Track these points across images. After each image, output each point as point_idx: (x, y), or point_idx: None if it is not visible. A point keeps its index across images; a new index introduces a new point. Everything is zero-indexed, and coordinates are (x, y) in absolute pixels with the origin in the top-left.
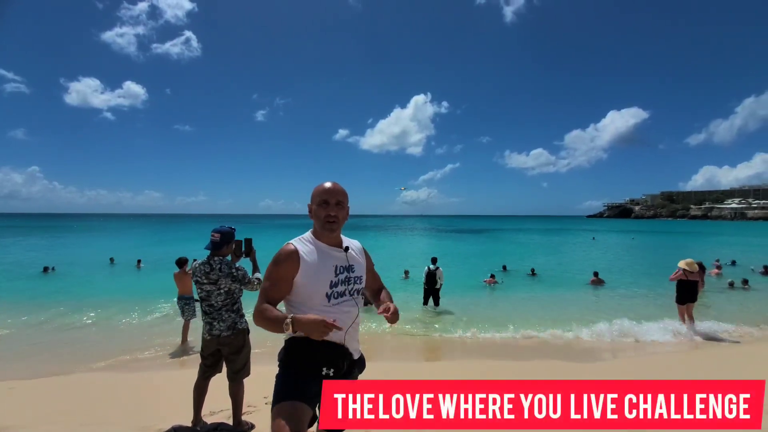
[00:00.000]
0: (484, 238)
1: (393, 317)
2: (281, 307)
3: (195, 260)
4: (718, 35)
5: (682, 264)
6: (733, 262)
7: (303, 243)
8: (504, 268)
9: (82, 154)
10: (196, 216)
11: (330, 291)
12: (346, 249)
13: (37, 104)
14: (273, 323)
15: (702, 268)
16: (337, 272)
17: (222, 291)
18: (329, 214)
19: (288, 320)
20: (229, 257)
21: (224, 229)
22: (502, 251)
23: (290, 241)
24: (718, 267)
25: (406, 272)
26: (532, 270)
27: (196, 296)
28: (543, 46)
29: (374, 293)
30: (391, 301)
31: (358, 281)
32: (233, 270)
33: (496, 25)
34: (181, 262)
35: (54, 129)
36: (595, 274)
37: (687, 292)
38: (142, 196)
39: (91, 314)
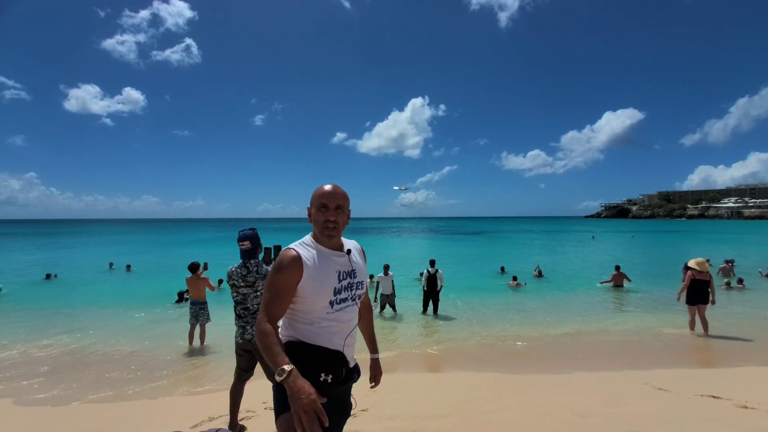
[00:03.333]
0: (483, 240)
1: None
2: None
3: (233, 268)
4: (711, 37)
5: (691, 263)
6: (732, 262)
7: (305, 248)
8: (502, 269)
9: (80, 160)
10: (194, 220)
11: (333, 298)
12: (348, 252)
13: (36, 111)
14: (271, 357)
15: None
16: (341, 278)
17: (259, 293)
18: (328, 219)
19: (286, 369)
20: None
21: (248, 233)
22: (503, 253)
23: (291, 246)
24: (728, 262)
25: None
26: (539, 271)
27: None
28: (538, 49)
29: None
30: (371, 321)
31: (360, 286)
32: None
33: (492, 30)
34: (194, 267)
35: (53, 135)
36: (617, 268)
37: (698, 292)
38: (139, 201)
39: (93, 322)
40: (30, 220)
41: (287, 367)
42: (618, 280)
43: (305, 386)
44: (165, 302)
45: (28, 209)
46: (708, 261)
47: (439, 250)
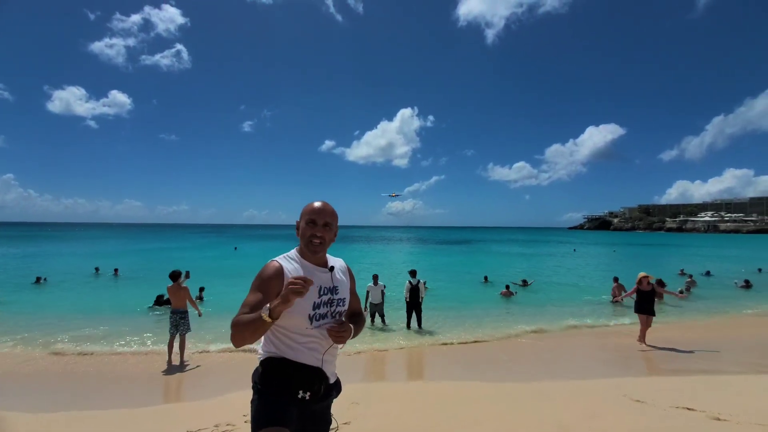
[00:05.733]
0: (468, 250)
1: (340, 335)
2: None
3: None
4: (688, 58)
5: (641, 275)
6: (708, 273)
7: (288, 261)
8: (485, 279)
9: (61, 162)
10: (177, 226)
11: (313, 313)
12: (331, 269)
13: (18, 111)
14: (250, 323)
15: (661, 284)
16: (321, 293)
17: None
18: (315, 234)
19: (264, 311)
20: None
21: None
22: (487, 262)
23: (275, 258)
24: (691, 276)
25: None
26: (524, 281)
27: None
28: (523, 65)
29: (349, 315)
30: (359, 326)
31: (341, 303)
32: None
33: (479, 46)
34: (175, 276)
35: (33, 136)
36: (615, 279)
37: (644, 302)
38: (121, 205)
39: (81, 330)
40: (6, 222)
41: (264, 311)
42: (617, 292)
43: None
44: (152, 309)
45: (4, 211)
46: (682, 271)
47: (426, 259)
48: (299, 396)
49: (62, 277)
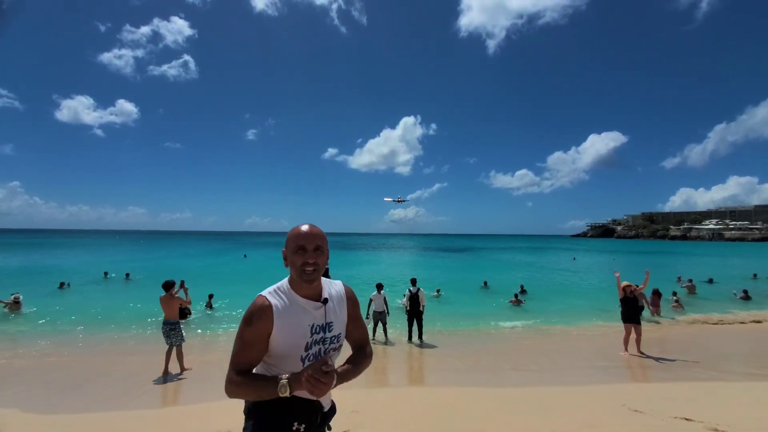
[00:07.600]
0: (471, 257)
1: (319, 386)
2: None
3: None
4: (689, 67)
5: (624, 284)
6: (710, 280)
7: (278, 296)
8: (485, 284)
9: (66, 170)
10: (180, 233)
11: (305, 354)
12: (325, 301)
13: (27, 120)
14: (261, 388)
15: (658, 294)
16: (313, 332)
17: None
18: (307, 262)
19: (284, 381)
20: None
21: None
22: (490, 270)
23: (264, 294)
24: (690, 281)
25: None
26: (522, 287)
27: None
28: (525, 74)
29: (353, 351)
30: (361, 366)
31: (334, 341)
32: None
33: (480, 56)
34: (168, 286)
35: (41, 144)
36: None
37: (631, 310)
38: (125, 212)
39: (104, 335)
40: (10, 230)
41: (284, 380)
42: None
43: (305, 372)
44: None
45: (9, 218)
46: (680, 278)
47: (428, 267)
48: (294, 428)
49: (80, 282)
